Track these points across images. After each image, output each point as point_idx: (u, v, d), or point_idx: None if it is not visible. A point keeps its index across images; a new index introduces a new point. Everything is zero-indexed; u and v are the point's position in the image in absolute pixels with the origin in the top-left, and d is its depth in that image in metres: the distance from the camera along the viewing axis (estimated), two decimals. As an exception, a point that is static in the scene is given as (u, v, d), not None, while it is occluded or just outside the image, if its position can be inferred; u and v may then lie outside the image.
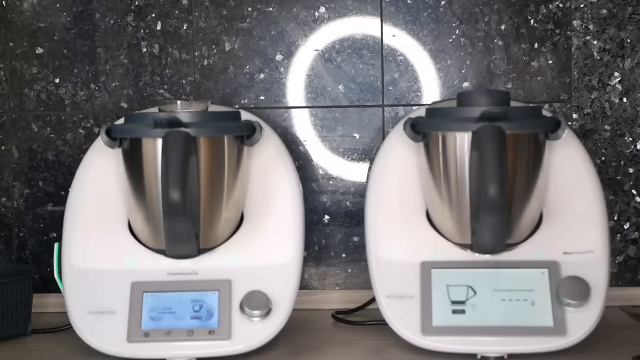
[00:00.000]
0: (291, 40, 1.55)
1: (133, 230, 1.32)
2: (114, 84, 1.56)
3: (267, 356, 1.24)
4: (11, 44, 1.57)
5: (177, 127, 1.23)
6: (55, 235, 1.56)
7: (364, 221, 1.34)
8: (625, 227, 1.53)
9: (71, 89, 1.56)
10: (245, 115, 1.38)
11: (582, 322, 1.22)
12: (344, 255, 1.56)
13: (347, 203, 1.56)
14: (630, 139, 1.52)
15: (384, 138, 1.47)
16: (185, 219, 1.21)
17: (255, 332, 1.24)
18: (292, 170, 1.37)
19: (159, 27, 1.55)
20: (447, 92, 1.53)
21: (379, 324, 1.31)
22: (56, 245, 1.32)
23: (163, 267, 1.28)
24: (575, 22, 1.51)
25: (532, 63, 1.52)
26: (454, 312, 1.23)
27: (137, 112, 1.49)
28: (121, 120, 1.37)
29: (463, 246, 1.29)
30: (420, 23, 1.53)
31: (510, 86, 1.53)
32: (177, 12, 1.55)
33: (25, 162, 1.57)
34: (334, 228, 1.56)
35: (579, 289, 1.23)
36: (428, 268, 1.27)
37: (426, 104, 1.49)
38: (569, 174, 1.33)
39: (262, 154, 1.36)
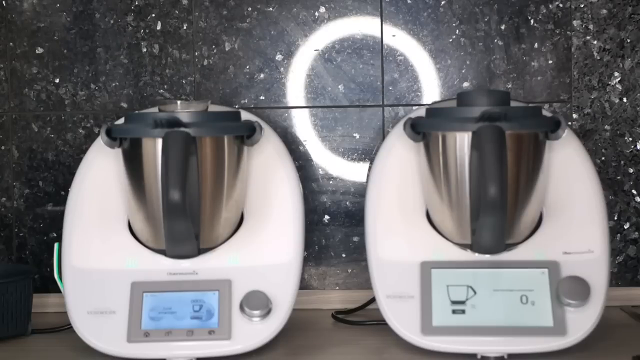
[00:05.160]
0: (291, 40, 1.55)
1: (133, 230, 1.32)
2: (114, 84, 1.56)
3: (267, 356, 1.24)
4: (11, 44, 1.57)
5: (177, 127, 1.23)
6: (55, 235, 1.56)
7: (364, 221, 1.34)
8: (625, 227, 1.53)
9: (71, 89, 1.56)
10: (245, 115, 1.38)
11: (582, 322, 1.22)
12: (344, 255, 1.56)
13: (347, 203, 1.56)
14: (630, 139, 1.52)
15: (384, 138, 1.47)
16: (185, 219, 1.21)
17: (255, 332, 1.24)
18: (292, 170, 1.37)
19: (159, 27, 1.55)
20: (447, 92, 1.53)
21: (379, 324, 1.31)
22: (56, 245, 1.32)
23: (163, 267, 1.28)
24: (575, 22, 1.51)
25: (532, 63, 1.52)
26: (454, 312, 1.23)
27: (137, 112, 1.49)
28: (121, 120, 1.37)
29: (463, 246, 1.29)
30: (420, 23, 1.53)
31: (510, 86, 1.53)
32: (177, 12, 1.55)
33: (25, 162, 1.57)
34: (334, 228, 1.56)
35: (579, 289, 1.23)
36: (428, 268, 1.27)
37: (426, 104, 1.49)
38: (569, 174, 1.33)
39: (262, 154, 1.36)
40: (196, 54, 1.55)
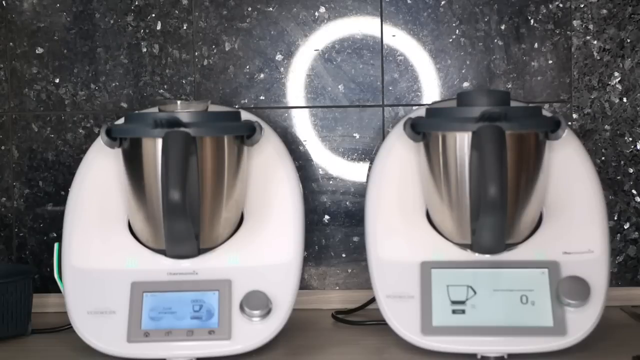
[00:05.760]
0: (291, 40, 1.55)
1: (133, 230, 1.32)
2: (114, 84, 1.56)
3: (267, 356, 1.24)
4: (11, 44, 1.57)
5: (177, 127, 1.23)
6: (55, 235, 1.56)
7: (364, 221, 1.34)
8: (625, 227, 1.53)
9: (71, 89, 1.56)
10: (245, 115, 1.38)
11: (582, 322, 1.22)
12: (344, 255, 1.56)
13: (347, 203, 1.56)
14: (630, 139, 1.52)
15: (384, 138, 1.47)
16: (185, 219, 1.21)
17: (255, 332, 1.24)
18: (292, 170, 1.37)
19: (159, 27, 1.55)
20: (447, 92, 1.53)
21: (379, 324, 1.31)
22: (56, 245, 1.32)
23: (163, 267, 1.28)
24: (575, 22, 1.51)
25: (532, 63, 1.52)
26: (454, 312, 1.23)
27: (137, 112, 1.49)
28: (121, 120, 1.37)
29: (463, 246, 1.29)
30: (420, 23, 1.53)
31: (510, 86, 1.53)
32: (177, 12, 1.55)
33: (25, 162, 1.57)
34: (334, 228, 1.56)
35: (579, 289, 1.23)
36: (428, 268, 1.27)
37: (426, 104, 1.49)
38: (569, 174, 1.33)
39: (262, 154, 1.36)
40: (196, 54, 1.55)
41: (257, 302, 1.24)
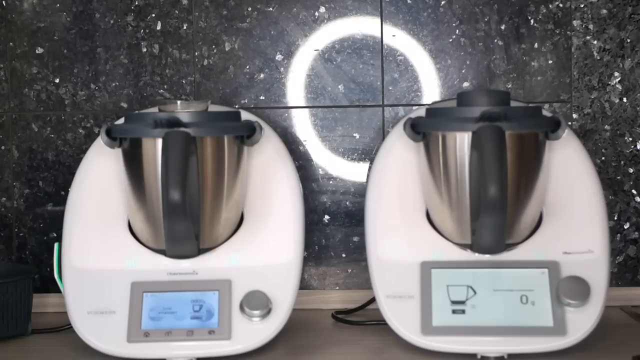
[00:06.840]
0: (291, 40, 1.55)
1: (133, 230, 1.32)
2: (114, 84, 1.56)
3: (267, 356, 1.24)
4: (11, 44, 1.57)
5: (177, 127, 1.23)
6: (55, 235, 1.56)
7: (364, 221, 1.34)
8: (625, 227, 1.53)
9: (71, 89, 1.56)
10: (245, 115, 1.38)
11: (582, 322, 1.22)
12: (344, 255, 1.56)
13: (347, 203, 1.56)
14: (630, 139, 1.52)
15: (384, 138, 1.47)
16: (185, 219, 1.21)
17: (255, 332, 1.24)
18: (292, 170, 1.37)
19: (159, 27, 1.55)
20: (447, 92, 1.53)
21: (379, 324, 1.32)
22: (56, 245, 1.32)
23: (163, 267, 1.28)
24: (575, 22, 1.52)
25: (532, 63, 1.52)
26: (454, 312, 1.23)
27: (137, 112, 1.49)
28: (121, 120, 1.37)
29: (463, 246, 1.29)
30: (420, 23, 1.53)
31: (510, 86, 1.53)
32: (177, 12, 1.55)
33: (25, 162, 1.57)
34: (334, 228, 1.56)
35: (579, 289, 1.23)
36: (428, 268, 1.27)
37: (426, 104, 1.49)
38: (569, 174, 1.33)
39: (262, 154, 1.36)
40: (196, 54, 1.55)
41: (257, 302, 1.24)
